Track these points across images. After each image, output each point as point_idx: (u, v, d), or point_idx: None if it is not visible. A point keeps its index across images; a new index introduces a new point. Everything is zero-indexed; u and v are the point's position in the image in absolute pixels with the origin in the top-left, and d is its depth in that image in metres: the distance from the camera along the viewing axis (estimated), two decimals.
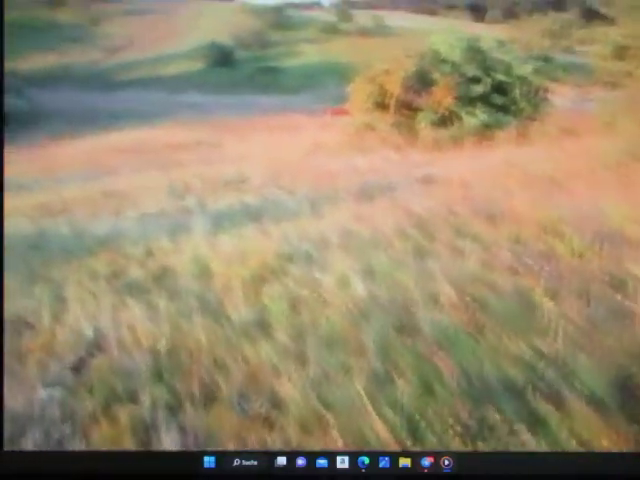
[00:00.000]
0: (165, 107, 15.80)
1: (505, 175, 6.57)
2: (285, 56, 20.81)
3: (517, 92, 9.14)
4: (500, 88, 9.33)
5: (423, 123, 8.96)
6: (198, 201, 6.04)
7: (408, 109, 9.21)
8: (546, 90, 9.56)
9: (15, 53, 17.52)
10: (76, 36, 20.52)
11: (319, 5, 30.00)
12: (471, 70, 9.23)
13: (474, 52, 9.42)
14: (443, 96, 8.91)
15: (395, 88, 8.94)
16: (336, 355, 2.47)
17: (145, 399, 2.26)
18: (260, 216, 5.20)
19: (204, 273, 3.63)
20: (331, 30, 22.23)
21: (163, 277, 3.63)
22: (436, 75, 9.16)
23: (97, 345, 2.73)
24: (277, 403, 2.25)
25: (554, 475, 2.07)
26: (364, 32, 22.47)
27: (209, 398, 2.29)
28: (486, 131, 8.88)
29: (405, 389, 2.22)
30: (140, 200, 6.19)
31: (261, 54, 20.83)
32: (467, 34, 10.01)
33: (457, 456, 2.07)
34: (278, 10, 22.59)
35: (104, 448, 2.21)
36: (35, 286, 3.52)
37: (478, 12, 31.10)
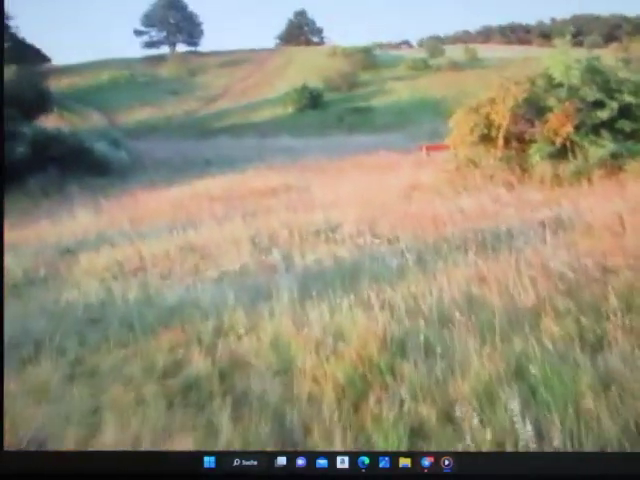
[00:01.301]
0: (256, 152, 15.44)
1: None
2: (375, 95, 20.08)
3: None
4: (628, 112, 7.82)
5: (538, 156, 7.63)
6: (284, 256, 5.13)
7: (519, 141, 7.93)
8: None
9: (116, 108, 18.04)
10: (174, 88, 20.99)
11: (408, 44, 28.97)
12: (592, 93, 7.82)
13: (594, 73, 8.02)
14: (560, 124, 7.56)
15: (503, 118, 7.73)
16: None
17: None
18: (356, 275, 4.18)
19: (286, 369, 2.64)
20: (421, 66, 21.26)
21: (232, 374, 2.67)
22: (551, 101, 7.84)
23: None
24: None
25: (554, 475, 1.97)
26: (456, 66, 21.31)
27: None
28: (615, 163, 7.40)
29: None
30: (221, 255, 5.39)
31: (350, 95, 20.24)
32: (584, 54, 8.65)
33: (457, 456, 2.00)
34: (367, 51, 21.98)
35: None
36: (74, 384, 2.69)
37: (576, 38, 29.01)
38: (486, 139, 8.11)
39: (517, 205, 6.58)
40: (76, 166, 13.14)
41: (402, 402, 2.18)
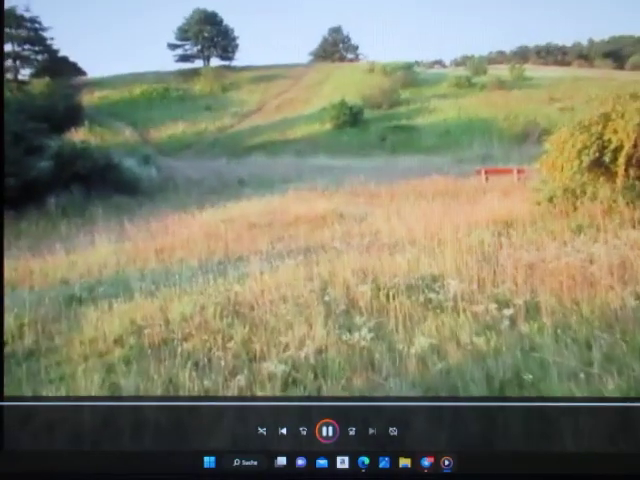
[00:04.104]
0: (294, 172, 13.68)
1: None
2: (418, 114, 18.14)
3: None
4: None
5: None
6: (378, 334, 3.29)
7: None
8: None
9: (149, 123, 16.54)
10: (208, 104, 19.33)
11: (441, 63, 27.02)
12: None
13: None
14: None
15: (626, 138, 5.82)
16: None
17: None
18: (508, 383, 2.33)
19: None
20: (465, 84, 19.22)
21: None
22: None
23: None
24: None
25: (555, 475, 1.88)
26: (503, 85, 19.22)
27: None
28: None
29: None
30: (281, 326, 3.56)
31: (392, 112, 18.33)
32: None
33: (457, 456, 1.92)
34: (407, 67, 19.98)
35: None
36: None
37: (617, 60, 27.08)
38: (597, 164, 6.19)
39: None
40: (102, 184, 11.46)
41: None
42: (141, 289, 4.64)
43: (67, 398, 2.58)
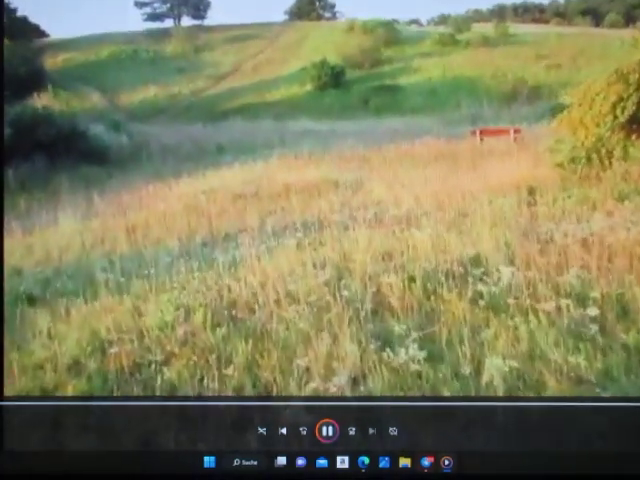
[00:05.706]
0: (276, 136, 12.45)
1: None
2: (401, 73, 16.92)
3: None
4: None
5: None
6: (427, 346, 2.32)
7: None
8: None
9: (118, 87, 14.96)
10: (180, 66, 17.66)
11: (417, 23, 25.48)
12: None
13: None
14: None
15: None
16: None
17: None
18: None
19: None
20: (449, 42, 18.07)
21: None
22: None
23: None
24: None
25: (555, 474, 1.82)
26: (487, 42, 18.14)
27: None
28: None
29: None
30: (293, 338, 2.56)
31: (374, 72, 17.08)
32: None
33: (457, 456, 1.85)
34: (387, 25, 18.65)
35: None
36: None
37: (594, 17, 26.23)
38: (631, 121, 5.23)
39: None
40: (67, 153, 10.11)
41: None
42: (107, 283, 3.56)
43: (67, 398, 2.39)
